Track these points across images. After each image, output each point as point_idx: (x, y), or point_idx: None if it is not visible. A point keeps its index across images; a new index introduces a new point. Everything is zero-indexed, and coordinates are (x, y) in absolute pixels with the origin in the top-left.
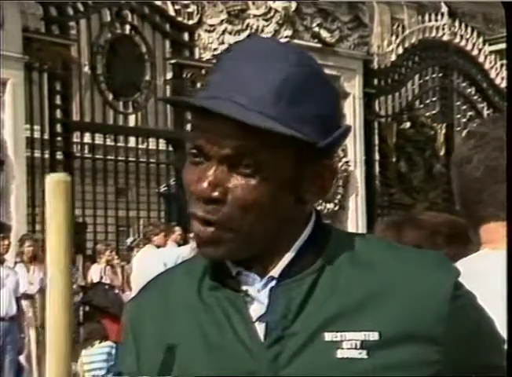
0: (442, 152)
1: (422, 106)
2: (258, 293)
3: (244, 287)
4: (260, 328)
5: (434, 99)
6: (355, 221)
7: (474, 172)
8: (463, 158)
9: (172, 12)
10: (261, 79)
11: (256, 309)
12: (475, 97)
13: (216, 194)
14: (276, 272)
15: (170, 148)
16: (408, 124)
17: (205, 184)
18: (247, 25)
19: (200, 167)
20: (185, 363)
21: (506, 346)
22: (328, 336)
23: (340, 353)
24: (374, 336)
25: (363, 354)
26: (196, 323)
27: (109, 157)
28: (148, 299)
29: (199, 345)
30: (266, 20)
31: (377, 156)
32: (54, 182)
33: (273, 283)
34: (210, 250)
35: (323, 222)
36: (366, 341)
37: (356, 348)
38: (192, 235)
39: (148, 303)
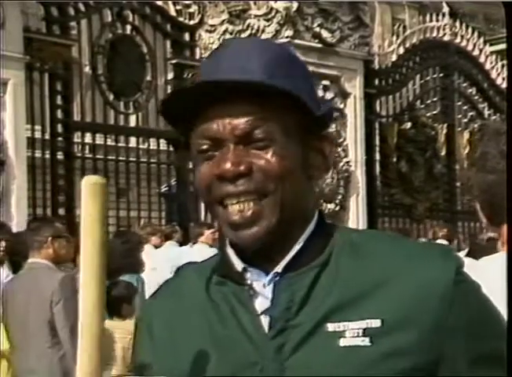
0: (443, 152)
1: (422, 106)
2: (264, 288)
3: (250, 282)
4: (265, 321)
5: (435, 99)
6: (356, 221)
7: (490, 175)
8: (480, 162)
9: (173, 13)
10: (250, 61)
11: (261, 304)
12: (476, 98)
13: (242, 168)
14: (280, 268)
15: (171, 148)
16: (409, 124)
17: (228, 164)
18: (248, 25)
19: (216, 158)
20: (194, 357)
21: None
22: (331, 327)
23: (343, 342)
24: (376, 323)
25: (366, 341)
26: (204, 319)
27: (110, 157)
28: (161, 301)
29: (206, 339)
30: (267, 21)
31: (378, 156)
32: (90, 184)
33: (278, 278)
34: (250, 230)
35: (326, 220)
36: (368, 328)
37: (358, 336)
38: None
39: (160, 305)
